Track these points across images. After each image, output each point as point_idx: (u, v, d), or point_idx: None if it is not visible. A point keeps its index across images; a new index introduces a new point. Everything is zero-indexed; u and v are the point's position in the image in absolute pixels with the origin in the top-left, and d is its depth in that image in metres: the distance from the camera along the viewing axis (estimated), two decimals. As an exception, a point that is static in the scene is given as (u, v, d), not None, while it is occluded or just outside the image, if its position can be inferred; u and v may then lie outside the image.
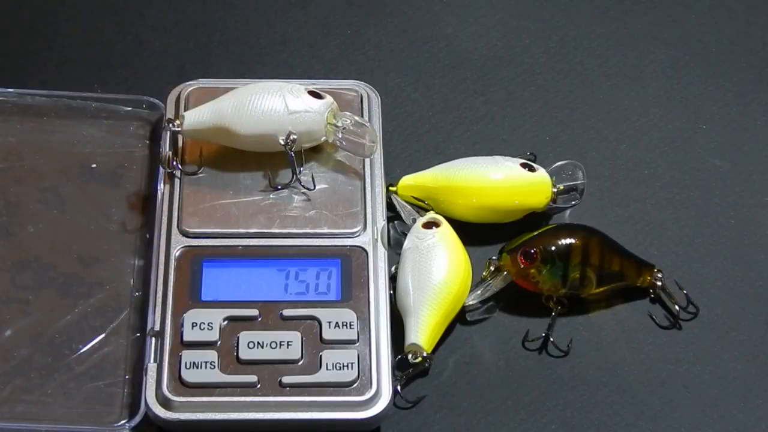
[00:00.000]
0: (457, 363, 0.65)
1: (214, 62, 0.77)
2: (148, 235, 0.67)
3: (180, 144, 0.68)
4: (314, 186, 0.67)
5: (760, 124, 0.76)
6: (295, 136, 0.65)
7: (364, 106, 0.70)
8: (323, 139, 0.67)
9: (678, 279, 0.68)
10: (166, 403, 0.60)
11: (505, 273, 0.66)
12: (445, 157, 0.71)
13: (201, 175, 0.67)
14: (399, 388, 0.63)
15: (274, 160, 0.67)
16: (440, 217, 0.67)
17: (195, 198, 0.66)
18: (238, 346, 0.61)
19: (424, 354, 0.63)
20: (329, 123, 0.66)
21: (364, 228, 0.65)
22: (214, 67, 0.76)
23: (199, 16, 0.79)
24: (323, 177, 0.67)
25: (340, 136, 0.67)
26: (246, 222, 0.65)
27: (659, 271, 0.67)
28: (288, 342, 0.61)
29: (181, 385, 0.60)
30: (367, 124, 0.67)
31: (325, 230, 0.65)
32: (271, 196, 0.66)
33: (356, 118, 0.67)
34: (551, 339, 0.65)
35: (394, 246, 0.66)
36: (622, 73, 0.78)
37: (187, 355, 0.61)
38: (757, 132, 0.76)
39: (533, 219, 0.69)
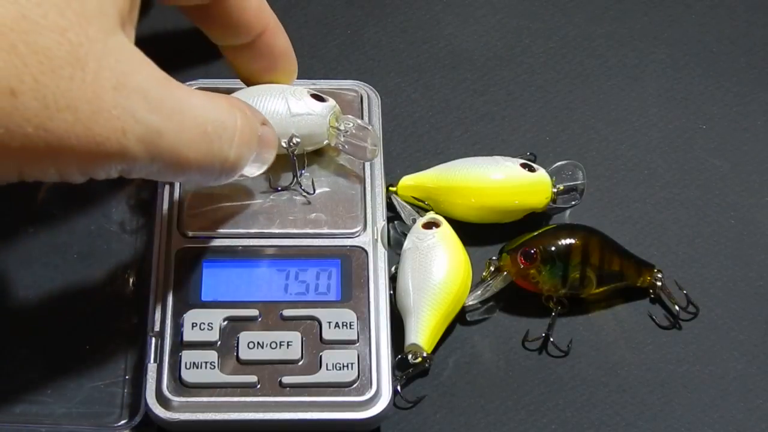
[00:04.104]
0: (457, 363, 0.65)
1: (214, 62, 0.77)
2: (148, 235, 0.67)
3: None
4: (314, 190, 0.67)
5: (760, 124, 0.76)
6: (298, 139, 0.65)
7: (364, 107, 0.70)
8: (325, 142, 0.67)
9: (678, 279, 0.68)
10: (166, 403, 0.60)
11: (505, 273, 0.66)
12: (445, 158, 0.71)
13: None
14: (399, 388, 0.63)
15: (275, 162, 0.67)
16: (440, 218, 0.67)
17: (195, 198, 0.66)
18: (238, 347, 0.61)
19: (424, 354, 0.63)
20: (332, 126, 0.66)
21: (364, 228, 0.65)
22: (214, 67, 0.76)
23: (199, 16, 0.79)
24: (323, 178, 0.67)
25: (342, 139, 0.66)
26: (246, 222, 0.65)
27: (659, 271, 0.67)
28: (288, 342, 0.61)
29: (181, 385, 0.60)
30: (370, 128, 0.67)
31: (325, 230, 0.65)
32: (271, 197, 0.66)
33: (359, 121, 0.67)
34: (551, 339, 0.65)
35: (394, 246, 0.66)
36: (622, 73, 0.78)
37: (187, 356, 0.61)
38: (757, 132, 0.76)
39: (533, 219, 0.69)
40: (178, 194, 0.66)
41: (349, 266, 0.64)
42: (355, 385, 0.61)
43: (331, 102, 0.67)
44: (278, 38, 0.65)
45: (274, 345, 0.61)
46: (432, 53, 0.78)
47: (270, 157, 0.61)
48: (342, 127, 0.66)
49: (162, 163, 0.52)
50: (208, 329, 0.62)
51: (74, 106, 0.48)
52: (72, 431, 0.61)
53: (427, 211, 0.68)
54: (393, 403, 0.61)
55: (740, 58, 0.79)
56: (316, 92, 0.67)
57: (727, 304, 0.68)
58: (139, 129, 0.50)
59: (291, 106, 0.65)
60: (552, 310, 0.66)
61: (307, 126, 0.66)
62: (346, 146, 0.66)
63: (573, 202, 0.70)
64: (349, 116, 0.67)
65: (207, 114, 0.54)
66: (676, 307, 0.67)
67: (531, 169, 0.68)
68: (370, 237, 0.65)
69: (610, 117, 0.76)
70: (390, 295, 0.64)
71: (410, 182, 0.69)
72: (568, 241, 0.66)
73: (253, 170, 0.61)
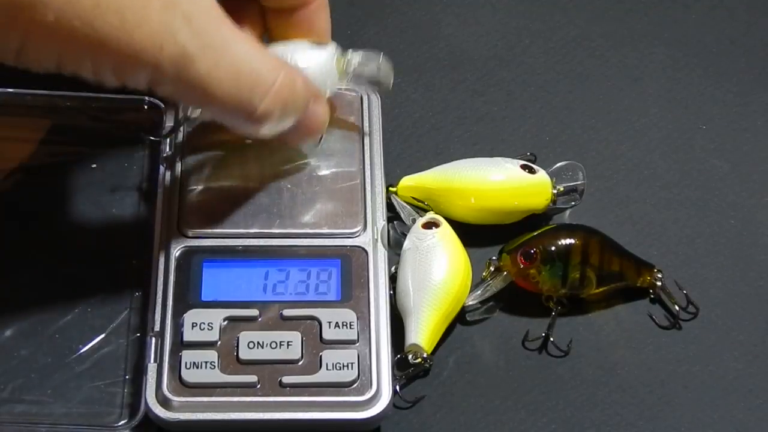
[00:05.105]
0: (457, 363, 0.65)
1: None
2: (148, 235, 0.67)
3: (181, 144, 0.68)
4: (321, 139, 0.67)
5: (760, 124, 0.76)
6: None
7: (364, 107, 0.70)
8: (336, 89, 0.66)
9: (678, 279, 0.68)
10: (166, 403, 0.60)
11: (505, 273, 0.66)
12: (445, 158, 0.71)
13: (201, 174, 0.67)
14: (399, 388, 0.63)
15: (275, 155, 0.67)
16: (440, 218, 0.67)
17: (195, 198, 0.66)
18: (238, 347, 0.61)
19: (425, 355, 0.63)
20: (339, 70, 0.66)
21: (364, 228, 0.65)
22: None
23: (199, 16, 0.79)
24: (323, 177, 0.67)
25: (352, 77, 0.66)
26: (246, 222, 0.65)
27: (659, 271, 0.67)
28: (288, 342, 0.61)
29: (181, 385, 0.60)
30: (377, 54, 0.66)
31: (325, 230, 0.65)
32: (271, 196, 0.66)
33: (361, 52, 0.66)
34: (551, 339, 0.65)
35: (394, 246, 0.66)
36: (622, 74, 0.78)
37: (187, 356, 0.61)
38: (757, 132, 0.76)
39: (533, 219, 0.69)
40: (178, 194, 0.66)
41: (349, 266, 0.64)
42: (355, 385, 0.61)
43: (331, 45, 0.66)
44: (320, 16, 0.66)
45: (274, 345, 0.61)
46: (432, 53, 0.78)
47: (316, 135, 0.65)
48: (350, 69, 0.66)
49: (187, 88, 0.55)
50: (208, 329, 0.62)
51: (122, 12, 0.52)
52: (72, 431, 0.61)
53: (426, 211, 0.68)
54: (393, 403, 0.61)
55: (740, 58, 0.79)
56: (314, 41, 0.66)
57: (727, 304, 0.68)
58: (175, 50, 0.53)
59: (298, 61, 0.65)
60: (552, 310, 0.66)
61: (318, 76, 0.65)
62: (359, 82, 0.67)
63: (573, 203, 0.70)
64: (350, 50, 0.66)
65: (246, 61, 0.57)
66: (676, 307, 0.67)
67: (531, 171, 0.68)
68: (370, 237, 0.65)
69: (610, 117, 0.76)
70: (390, 295, 0.64)
71: (410, 183, 0.69)
72: (568, 241, 0.66)
73: (295, 139, 0.64)
